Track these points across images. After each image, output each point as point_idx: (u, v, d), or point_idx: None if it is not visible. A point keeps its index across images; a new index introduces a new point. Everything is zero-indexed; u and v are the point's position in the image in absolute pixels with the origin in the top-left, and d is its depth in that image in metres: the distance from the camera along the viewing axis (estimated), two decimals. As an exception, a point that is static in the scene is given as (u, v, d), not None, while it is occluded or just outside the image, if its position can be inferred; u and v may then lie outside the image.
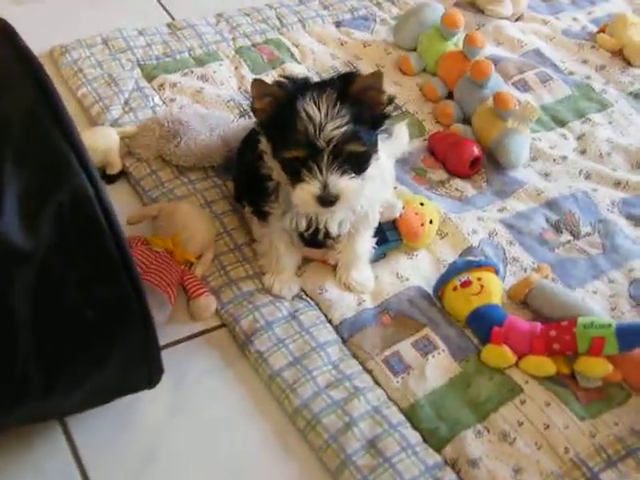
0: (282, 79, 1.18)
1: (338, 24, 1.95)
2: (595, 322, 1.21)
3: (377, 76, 1.15)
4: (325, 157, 1.12)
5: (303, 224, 1.26)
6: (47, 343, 0.90)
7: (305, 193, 1.14)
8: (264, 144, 1.21)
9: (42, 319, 0.88)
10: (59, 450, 1.11)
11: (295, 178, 1.15)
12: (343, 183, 1.13)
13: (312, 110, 1.10)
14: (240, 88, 1.72)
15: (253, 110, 1.18)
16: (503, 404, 1.18)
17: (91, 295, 0.90)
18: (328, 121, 1.10)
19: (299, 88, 1.15)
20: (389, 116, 1.19)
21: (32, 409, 0.97)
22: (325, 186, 1.13)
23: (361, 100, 1.14)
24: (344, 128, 1.11)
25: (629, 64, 1.91)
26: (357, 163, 1.15)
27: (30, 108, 0.92)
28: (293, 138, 1.12)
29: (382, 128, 1.21)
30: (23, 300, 0.86)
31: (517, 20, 2.03)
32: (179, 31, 1.84)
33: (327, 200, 1.14)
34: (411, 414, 1.17)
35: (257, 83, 1.15)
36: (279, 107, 1.14)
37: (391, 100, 1.18)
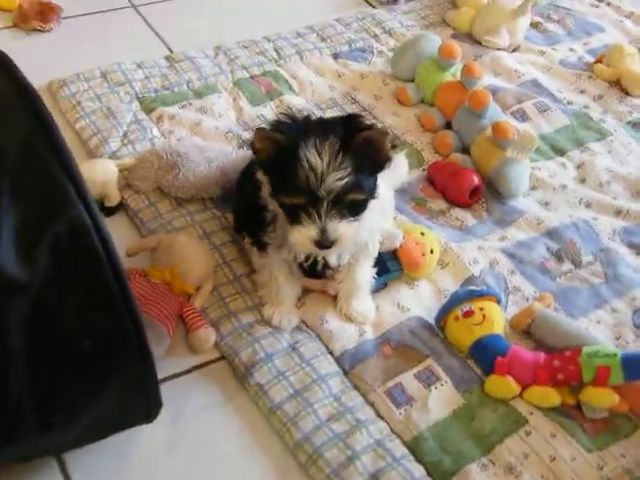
0: (283, 117, 1.17)
1: (336, 56, 1.96)
2: (600, 351, 1.19)
3: (382, 134, 1.14)
4: (325, 205, 1.11)
5: (302, 256, 1.25)
6: (42, 374, 0.88)
7: (302, 236, 1.14)
8: (262, 177, 1.20)
9: (37, 350, 0.87)
10: (55, 487, 1.08)
11: (293, 220, 1.14)
12: (341, 229, 1.13)
13: (314, 159, 1.09)
14: (238, 120, 1.72)
15: (253, 150, 1.17)
16: (508, 436, 1.17)
17: (88, 326, 0.89)
18: (330, 172, 1.09)
19: (301, 132, 1.12)
20: (391, 160, 1.18)
21: (27, 444, 0.95)
22: (323, 231, 1.12)
23: (363, 150, 1.12)
24: (346, 180, 1.10)
25: (627, 94, 1.92)
26: (356, 209, 1.15)
27: (27, 139, 0.91)
28: (294, 185, 1.11)
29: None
30: (17, 330, 0.85)
31: (514, 51, 2.04)
32: (177, 64, 1.85)
33: (324, 245, 1.13)
34: (414, 447, 1.15)
35: (259, 132, 1.13)
36: (280, 151, 1.12)
37: (394, 146, 1.17)
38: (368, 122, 1.18)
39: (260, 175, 1.20)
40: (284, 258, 1.27)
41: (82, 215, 0.87)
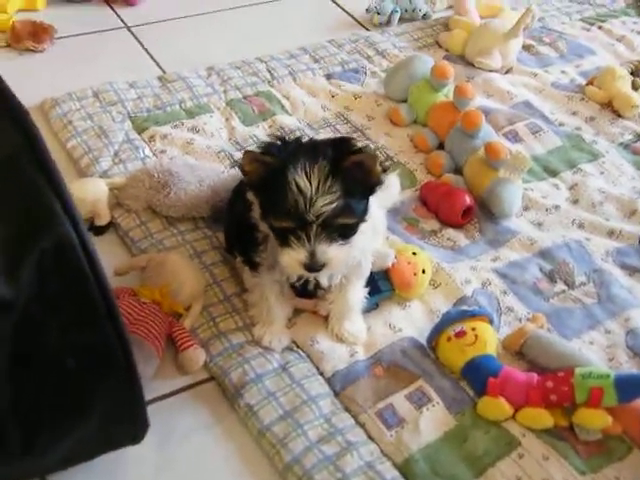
0: (273, 139, 1.17)
1: (329, 77, 1.96)
2: (593, 372, 1.18)
3: (372, 157, 1.13)
4: (314, 229, 1.10)
5: (294, 276, 1.24)
6: (26, 394, 0.87)
7: (292, 259, 1.12)
8: (252, 198, 1.19)
9: (21, 369, 0.85)
10: (39, 510, 1.06)
11: (282, 243, 1.13)
12: (331, 252, 1.12)
13: (303, 183, 1.08)
14: (231, 139, 1.71)
15: (243, 172, 1.16)
16: (500, 458, 1.15)
17: (73, 344, 0.87)
18: (319, 196, 1.08)
19: (290, 155, 1.12)
20: (382, 183, 1.17)
21: (11, 467, 0.94)
22: (312, 255, 1.11)
23: (353, 174, 1.11)
24: (335, 204, 1.09)
25: (619, 115, 1.92)
26: (346, 232, 1.14)
27: (14, 155, 0.90)
28: (283, 209, 1.10)
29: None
30: (1, 350, 0.83)
31: (506, 73, 2.05)
32: (170, 84, 1.85)
33: (314, 268, 1.12)
34: (405, 469, 1.13)
35: (248, 155, 1.12)
36: (270, 173, 1.11)
37: (385, 169, 1.17)
38: (360, 144, 1.18)
39: (250, 195, 1.19)
40: (276, 279, 1.26)
41: (68, 232, 0.86)
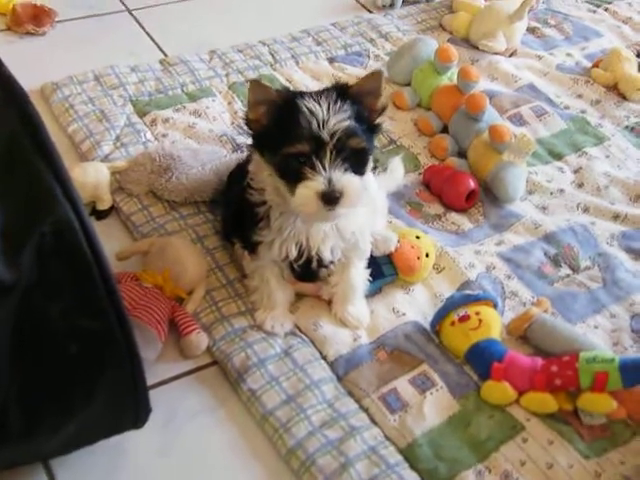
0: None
1: (331, 60, 1.94)
2: (598, 357, 1.18)
3: (376, 76, 1.15)
4: (328, 152, 1.11)
5: (294, 252, 1.22)
6: (28, 379, 0.86)
7: (309, 191, 1.11)
8: (255, 164, 1.19)
9: (23, 354, 0.85)
10: (42, 494, 1.06)
11: (296, 178, 1.12)
12: (346, 179, 1.12)
13: (314, 107, 1.10)
14: (233, 123, 1.70)
15: (247, 121, 1.17)
16: (504, 443, 1.15)
17: (75, 328, 0.87)
18: (331, 116, 1.10)
19: (297, 92, 1.15)
20: (381, 127, 1.19)
21: (13, 451, 0.93)
22: (329, 181, 1.11)
23: (359, 101, 1.14)
24: (347, 122, 1.11)
25: (624, 98, 1.90)
26: (357, 162, 1.14)
27: (14, 139, 0.89)
28: (297, 133, 1.11)
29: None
30: (2, 334, 0.82)
31: (511, 55, 2.03)
32: (172, 67, 1.83)
33: (332, 197, 1.11)
34: (409, 454, 1.13)
35: (254, 85, 1.14)
36: (278, 110, 1.13)
37: (384, 109, 1.19)
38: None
39: (253, 164, 1.20)
40: (275, 257, 1.24)
41: (68, 215, 0.85)
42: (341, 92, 1.13)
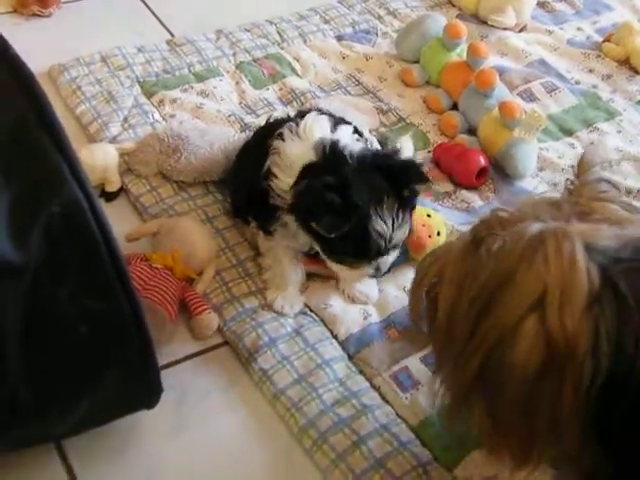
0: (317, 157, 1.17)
1: (339, 38, 1.92)
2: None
3: (422, 177, 1.20)
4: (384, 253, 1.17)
5: (308, 247, 1.25)
6: (39, 360, 0.86)
7: (356, 276, 1.22)
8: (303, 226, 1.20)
9: (32, 336, 0.85)
10: (56, 475, 1.06)
11: (346, 264, 1.19)
12: (391, 258, 1.19)
13: (381, 228, 1.13)
14: (241, 103, 1.69)
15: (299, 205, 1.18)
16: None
17: (84, 309, 0.86)
18: (395, 233, 1.15)
19: (356, 195, 1.12)
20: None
21: (25, 432, 0.94)
22: (378, 269, 1.20)
23: (411, 195, 1.18)
24: (406, 231, 1.18)
25: (636, 72, 1.88)
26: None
27: (20, 119, 0.89)
28: (363, 254, 1.17)
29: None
30: (12, 315, 0.83)
31: (521, 31, 2.01)
32: (178, 47, 1.82)
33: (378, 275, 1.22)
34: (421, 432, 1.13)
35: (312, 194, 1.14)
36: (342, 220, 1.14)
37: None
38: (400, 157, 1.22)
39: (279, 182, 1.20)
40: (289, 245, 1.26)
41: (77, 195, 0.85)
42: (398, 197, 1.15)
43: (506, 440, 0.81)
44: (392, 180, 1.15)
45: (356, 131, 1.26)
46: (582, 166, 0.91)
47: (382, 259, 1.18)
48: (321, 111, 1.28)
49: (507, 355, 0.76)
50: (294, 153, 1.19)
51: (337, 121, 1.25)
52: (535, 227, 0.79)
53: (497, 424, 0.80)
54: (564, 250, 0.76)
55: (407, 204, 1.17)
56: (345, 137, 1.21)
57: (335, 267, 1.22)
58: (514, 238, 0.80)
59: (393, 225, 1.14)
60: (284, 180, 1.19)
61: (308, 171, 1.16)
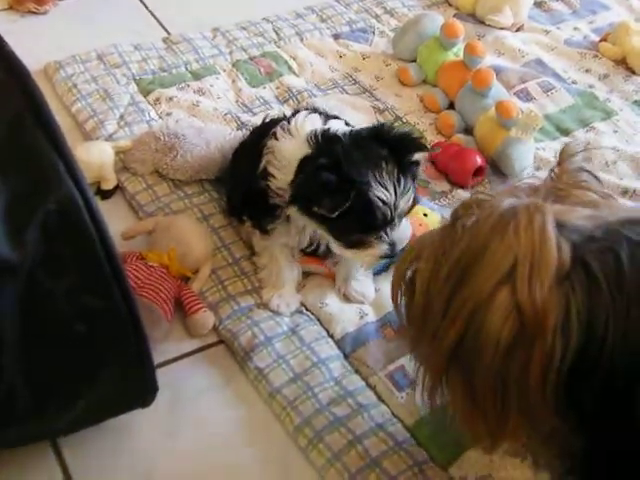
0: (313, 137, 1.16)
1: (336, 37, 1.92)
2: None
3: (421, 143, 1.18)
4: (394, 225, 1.14)
5: (305, 242, 1.24)
6: (35, 358, 0.86)
7: (372, 257, 1.16)
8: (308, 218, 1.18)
9: (29, 333, 0.84)
10: (51, 474, 1.06)
11: (357, 246, 1.16)
12: (402, 232, 1.16)
13: (384, 194, 1.10)
14: (237, 101, 1.69)
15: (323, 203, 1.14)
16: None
17: (80, 307, 0.86)
18: (398, 199, 1.12)
19: (353, 167, 1.10)
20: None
21: (21, 429, 0.93)
22: (393, 245, 1.14)
23: (412, 164, 1.16)
24: (411, 200, 1.15)
25: (633, 72, 1.88)
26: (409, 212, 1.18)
27: (16, 116, 0.89)
28: (370, 225, 1.13)
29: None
30: (9, 313, 0.82)
31: (518, 30, 2.01)
32: (175, 45, 1.82)
33: (393, 254, 1.16)
34: (417, 431, 1.12)
35: (318, 174, 1.11)
36: (344, 194, 1.11)
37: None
38: (396, 125, 1.23)
39: (276, 180, 1.19)
40: (286, 243, 1.26)
41: (72, 193, 0.84)
42: (398, 163, 1.13)
43: (482, 414, 0.81)
44: (390, 150, 1.14)
45: (347, 125, 1.25)
46: (564, 155, 0.91)
47: (394, 234, 1.14)
48: (316, 109, 1.27)
49: (482, 326, 0.76)
50: (288, 150, 1.18)
51: (328, 117, 1.25)
52: (508, 202, 0.80)
53: (473, 398, 0.81)
54: (535, 222, 0.76)
55: (407, 170, 1.14)
56: (336, 125, 1.20)
57: (348, 253, 1.18)
58: (487, 212, 0.81)
59: (395, 192, 1.11)
60: (281, 178, 1.18)
61: (305, 164, 1.15)
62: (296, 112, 1.30)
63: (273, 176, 1.19)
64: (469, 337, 0.78)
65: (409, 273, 0.89)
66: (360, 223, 1.13)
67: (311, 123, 1.20)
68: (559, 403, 0.76)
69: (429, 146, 1.60)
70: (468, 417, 0.84)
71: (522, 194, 0.84)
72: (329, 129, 1.17)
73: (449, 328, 0.80)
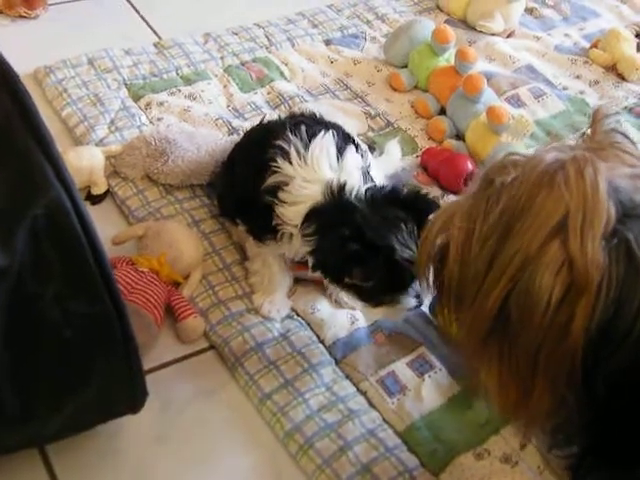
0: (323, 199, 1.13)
1: (328, 42, 1.92)
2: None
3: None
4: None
5: (299, 256, 1.22)
6: (22, 363, 0.85)
7: (399, 312, 1.16)
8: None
9: (17, 338, 0.84)
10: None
11: (383, 305, 1.15)
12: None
13: (408, 254, 1.09)
14: (229, 106, 1.69)
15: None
16: (505, 426, 1.14)
17: (69, 312, 0.86)
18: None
19: (376, 233, 1.09)
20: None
21: (8, 435, 0.93)
22: (419, 297, 1.13)
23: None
24: None
25: (623, 79, 1.89)
26: None
27: (5, 120, 0.88)
28: (400, 286, 1.12)
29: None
30: (-4, 319, 0.82)
31: (509, 36, 2.01)
32: (166, 50, 1.82)
33: (420, 305, 1.15)
34: (408, 437, 1.12)
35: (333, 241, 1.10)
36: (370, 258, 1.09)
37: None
38: (405, 190, 1.19)
39: (285, 214, 1.16)
40: (280, 254, 1.25)
41: (61, 197, 0.84)
42: (419, 222, 1.11)
43: (513, 381, 0.78)
44: (406, 210, 1.13)
45: (352, 140, 1.24)
46: (597, 116, 0.89)
47: (419, 286, 1.11)
48: (315, 119, 1.26)
49: (532, 282, 0.72)
50: (302, 186, 1.15)
51: (341, 145, 1.20)
52: (553, 154, 0.77)
53: (509, 363, 0.77)
54: (586, 173, 0.73)
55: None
56: (352, 175, 1.16)
57: (376, 312, 1.18)
58: (530, 166, 0.77)
59: (416, 245, 1.09)
60: (290, 209, 1.15)
61: (316, 215, 1.13)
62: (292, 116, 1.29)
63: (282, 203, 1.15)
64: (515, 296, 0.74)
65: (438, 243, 0.85)
66: (389, 285, 1.12)
67: (327, 158, 1.16)
68: (572, 377, 0.73)
69: (420, 151, 1.60)
70: (501, 385, 0.81)
71: (565, 149, 0.80)
72: (345, 185, 1.13)
73: (492, 289, 0.75)
